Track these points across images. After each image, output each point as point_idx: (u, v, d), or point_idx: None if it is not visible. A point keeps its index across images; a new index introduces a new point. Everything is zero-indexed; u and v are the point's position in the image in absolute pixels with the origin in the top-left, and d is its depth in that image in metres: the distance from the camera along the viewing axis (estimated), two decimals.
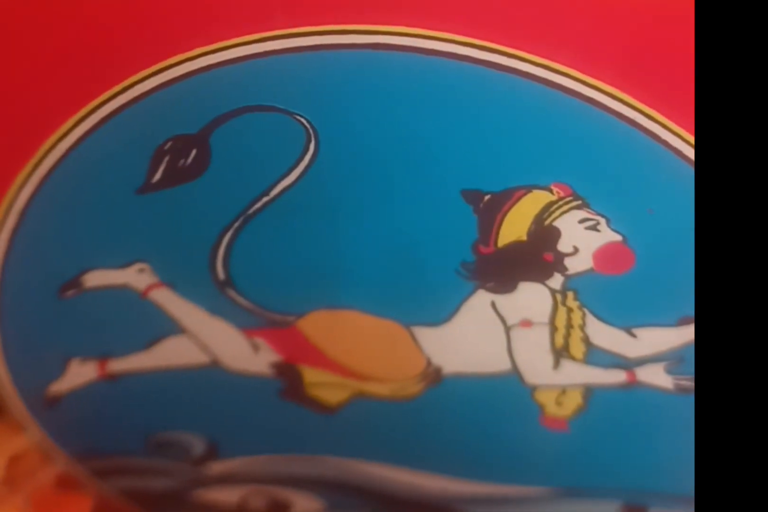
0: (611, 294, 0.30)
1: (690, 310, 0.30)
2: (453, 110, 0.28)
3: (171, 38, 0.28)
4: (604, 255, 0.30)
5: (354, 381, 0.33)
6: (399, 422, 0.34)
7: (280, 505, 0.38)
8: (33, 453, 0.36)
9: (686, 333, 0.31)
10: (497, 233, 0.30)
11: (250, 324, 0.33)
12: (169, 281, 0.32)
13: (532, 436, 0.34)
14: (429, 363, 0.33)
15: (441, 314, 0.32)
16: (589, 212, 0.29)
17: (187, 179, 0.30)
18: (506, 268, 0.30)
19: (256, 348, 0.33)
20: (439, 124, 0.28)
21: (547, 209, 0.29)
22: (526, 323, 0.31)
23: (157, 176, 0.30)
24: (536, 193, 0.29)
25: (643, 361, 0.31)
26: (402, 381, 0.33)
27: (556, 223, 0.29)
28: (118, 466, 0.37)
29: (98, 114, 0.29)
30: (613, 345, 0.31)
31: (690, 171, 0.28)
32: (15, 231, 0.32)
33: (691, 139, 0.28)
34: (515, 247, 0.30)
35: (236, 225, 0.31)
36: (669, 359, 0.31)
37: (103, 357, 0.34)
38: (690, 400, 0.31)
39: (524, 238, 0.30)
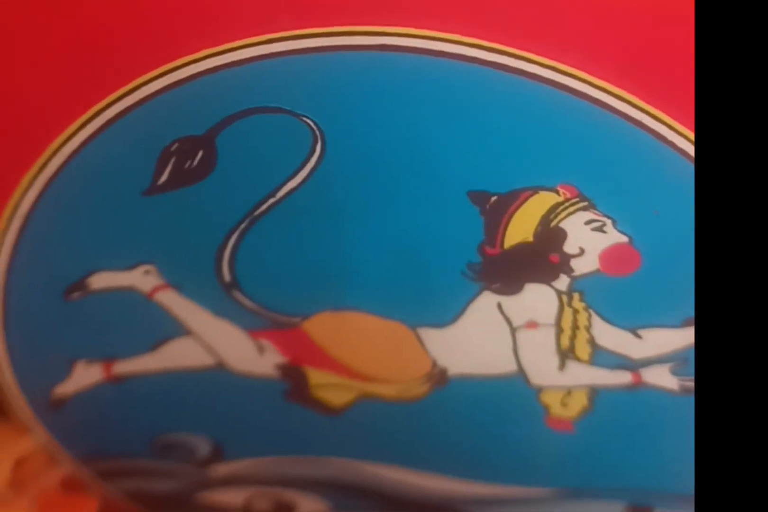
0: (617, 296, 0.30)
1: None
2: (460, 111, 0.28)
3: (177, 40, 0.28)
4: (610, 256, 0.30)
5: (359, 383, 0.33)
6: (404, 423, 0.34)
7: (285, 507, 0.38)
8: (38, 456, 0.36)
9: (691, 335, 0.31)
10: (503, 234, 0.30)
11: (255, 325, 0.33)
12: (175, 283, 0.32)
13: (537, 437, 0.34)
14: (434, 364, 0.33)
15: (447, 315, 0.32)
16: (595, 213, 0.29)
17: (193, 181, 0.30)
18: (512, 270, 0.30)
19: (261, 349, 0.33)
20: (445, 125, 0.28)
21: (553, 210, 0.29)
22: (532, 324, 0.31)
23: (164, 178, 0.30)
24: (543, 194, 0.29)
25: (648, 362, 0.31)
26: (407, 382, 0.33)
27: (562, 224, 0.29)
28: (124, 468, 0.37)
29: (104, 116, 0.29)
30: (619, 347, 0.31)
31: None
32: (20, 233, 0.32)
33: None
34: (521, 248, 0.30)
35: (242, 226, 0.31)
36: (674, 360, 0.31)
37: (108, 359, 0.34)
38: None
39: (530, 239, 0.30)
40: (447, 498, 0.36)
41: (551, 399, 0.33)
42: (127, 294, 0.32)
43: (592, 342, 0.31)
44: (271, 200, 0.30)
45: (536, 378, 0.32)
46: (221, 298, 0.32)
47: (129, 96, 0.29)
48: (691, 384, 0.31)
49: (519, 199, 0.29)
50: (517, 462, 0.34)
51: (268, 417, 0.35)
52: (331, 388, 0.34)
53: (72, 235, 0.32)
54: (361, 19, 0.27)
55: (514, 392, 0.33)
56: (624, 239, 0.29)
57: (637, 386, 0.32)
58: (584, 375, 0.32)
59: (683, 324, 0.31)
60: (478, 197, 0.29)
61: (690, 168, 0.28)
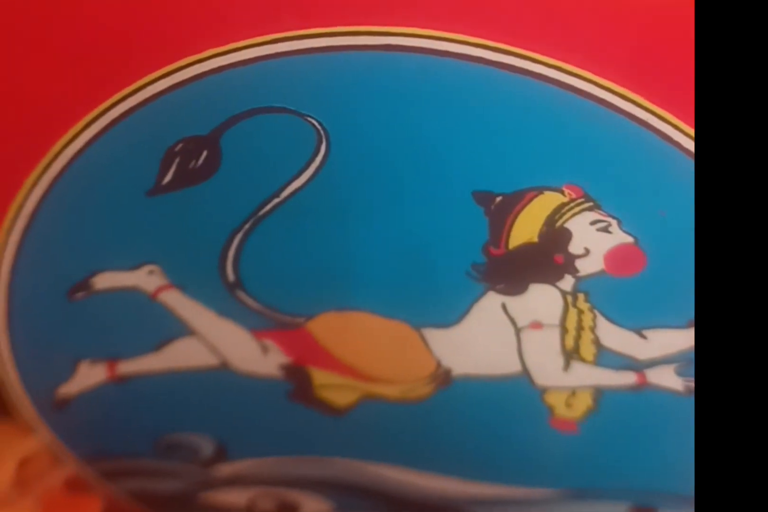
0: (622, 296, 0.30)
1: None
2: (465, 111, 0.28)
3: (181, 40, 0.28)
4: (615, 256, 0.30)
5: (363, 383, 0.33)
6: (408, 424, 0.34)
7: (288, 507, 0.38)
8: (43, 456, 0.36)
9: None
10: (508, 235, 0.30)
11: (259, 325, 0.33)
12: (179, 283, 0.32)
13: (541, 438, 0.34)
14: (439, 364, 0.33)
15: (451, 316, 0.32)
16: (600, 214, 0.29)
17: (197, 181, 0.30)
18: (517, 270, 0.30)
19: (265, 350, 0.33)
20: (450, 125, 0.28)
21: (558, 211, 0.29)
22: (537, 325, 0.31)
23: (168, 178, 0.30)
24: (548, 194, 0.29)
25: (653, 363, 0.31)
26: (412, 382, 0.33)
27: (567, 225, 0.29)
28: (128, 468, 0.37)
29: (109, 116, 0.29)
30: (624, 347, 0.31)
31: None
32: (25, 233, 0.32)
33: None
34: (526, 248, 0.30)
35: (246, 227, 0.31)
36: (679, 361, 0.31)
37: (112, 359, 0.34)
38: None
39: (535, 239, 0.30)
40: (451, 498, 0.36)
41: (556, 400, 0.33)
42: (131, 294, 0.32)
43: (596, 342, 0.31)
44: (276, 200, 0.30)
45: (541, 378, 0.32)
46: (225, 298, 0.32)
47: (133, 96, 0.29)
48: None
49: (524, 199, 0.29)
50: (521, 463, 0.34)
51: (272, 418, 0.35)
52: (335, 389, 0.34)
53: (76, 235, 0.32)
54: (366, 19, 0.27)
55: (518, 393, 0.33)
56: (629, 239, 0.29)
57: (642, 387, 0.32)
58: (589, 375, 0.32)
59: (688, 325, 0.31)
60: (483, 197, 0.29)
61: None
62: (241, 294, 0.32)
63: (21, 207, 0.31)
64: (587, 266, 0.30)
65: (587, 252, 0.30)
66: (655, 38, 0.27)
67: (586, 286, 0.30)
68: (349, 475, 0.36)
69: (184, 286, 0.32)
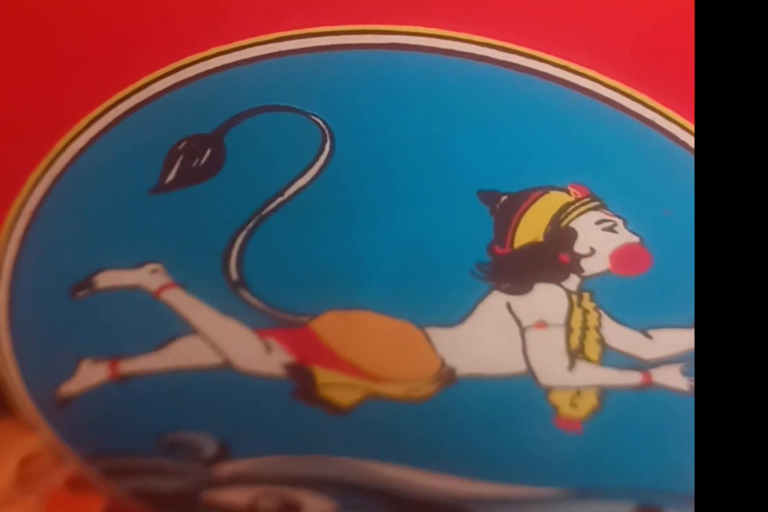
0: (627, 296, 0.30)
1: None
2: (470, 110, 0.28)
3: (186, 38, 0.28)
4: (620, 256, 0.29)
5: (367, 382, 0.33)
6: (412, 423, 0.34)
7: (291, 506, 0.38)
8: (44, 454, 0.36)
9: None
10: (513, 234, 0.30)
11: (262, 324, 0.33)
12: (182, 282, 0.32)
13: (546, 437, 0.34)
14: (443, 364, 0.33)
15: (455, 315, 0.31)
16: (606, 213, 0.29)
17: (201, 179, 0.30)
18: (522, 269, 0.30)
19: (268, 348, 0.33)
20: (455, 124, 0.28)
21: (564, 210, 0.29)
22: (541, 324, 0.31)
23: (171, 176, 0.30)
24: (553, 193, 0.29)
25: (658, 363, 0.31)
26: (416, 382, 0.33)
27: (572, 224, 0.29)
28: (130, 467, 0.37)
29: (112, 113, 0.29)
30: (629, 347, 0.31)
31: None
32: (27, 231, 0.31)
33: None
34: (531, 248, 0.30)
35: (250, 225, 0.30)
36: (684, 360, 0.31)
37: (114, 357, 0.34)
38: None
39: (540, 238, 0.30)
40: (454, 498, 0.36)
41: (560, 400, 0.33)
42: (134, 292, 0.32)
43: (601, 342, 0.31)
44: (280, 199, 0.30)
45: (545, 378, 0.32)
46: (228, 297, 0.32)
47: (137, 94, 0.29)
48: None
49: (529, 198, 0.29)
50: (526, 462, 0.34)
51: (275, 417, 0.35)
52: (338, 388, 0.34)
53: (79, 233, 0.32)
54: (371, 18, 0.27)
55: (522, 392, 0.33)
56: (635, 239, 0.29)
57: (647, 386, 0.32)
58: (594, 375, 0.32)
59: (693, 325, 0.30)
60: (488, 196, 0.29)
61: None
62: (245, 293, 0.32)
63: (23, 205, 0.31)
64: (592, 265, 0.30)
65: (593, 251, 0.30)
66: (662, 37, 0.27)
67: (591, 286, 0.30)
68: (352, 474, 0.36)
69: (187, 285, 0.32)
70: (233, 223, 0.31)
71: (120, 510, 0.38)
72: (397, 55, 0.27)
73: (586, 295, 0.30)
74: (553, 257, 0.30)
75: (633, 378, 0.32)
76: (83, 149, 0.30)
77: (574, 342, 0.31)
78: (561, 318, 0.31)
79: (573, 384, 0.32)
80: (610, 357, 0.31)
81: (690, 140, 0.28)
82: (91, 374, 0.34)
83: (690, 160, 0.28)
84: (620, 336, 0.31)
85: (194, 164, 0.30)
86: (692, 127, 0.27)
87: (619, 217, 0.29)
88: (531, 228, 0.29)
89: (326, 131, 0.29)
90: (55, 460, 0.37)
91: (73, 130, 0.30)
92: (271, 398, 0.34)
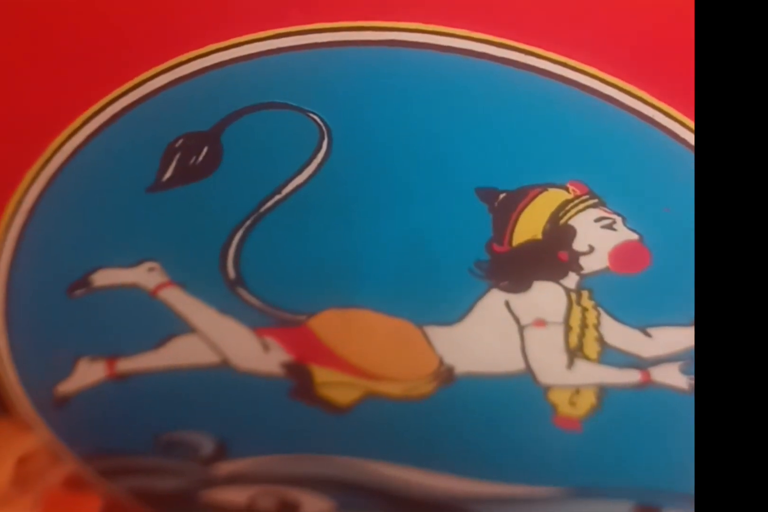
0: (626, 294, 0.30)
1: None
2: (468, 107, 0.28)
3: (183, 35, 0.28)
4: (619, 254, 0.29)
5: (365, 381, 0.33)
6: (411, 422, 0.34)
7: (289, 505, 0.37)
8: (42, 454, 0.36)
9: None
10: (512, 232, 0.29)
11: (260, 323, 0.33)
12: (180, 280, 0.32)
13: (544, 436, 0.33)
14: (441, 362, 0.32)
15: (454, 313, 0.31)
16: (605, 211, 0.29)
17: (198, 177, 0.30)
18: (520, 267, 0.30)
19: (266, 347, 0.33)
20: (454, 121, 0.28)
21: (562, 208, 0.29)
22: (540, 322, 0.31)
23: (168, 174, 0.30)
24: (552, 191, 0.29)
25: (657, 361, 0.31)
26: (414, 380, 0.33)
27: (571, 222, 0.29)
28: (127, 466, 0.37)
29: (109, 111, 0.29)
30: (628, 345, 0.31)
31: None
32: (24, 229, 0.31)
33: None
34: (530, 245, 0.30)
35: (248, 223, 0.30)
36: (684, 359, 0.31)
37: (112, 356, 0.34)
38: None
39: (539, 236, 0.29)
40: (453, 497, 0.36)
41: (559, 398, 0.33)
42: (131, 291, 0.32)
43: (600, 340, 0.31)
44: (277, 197, 0.30)
45: (544, 376, 0.32)
46: (226, 296, 0.32)
47: (134, 91, 0.29)
48: None
49: (528, 196, 0.29)
50: (525, 462, 0.34)
51: (273, 416, 0.35)
52: (336, 386, 0.34)
53: (75, 231, 0.32)
54: (370, 15, 0.27)
55: (521, 391, 0.32)
56: (634, 237, 0.29)
57: (647, 385, 0.32)
58: (593, 373, 0.32)
59: (693, 323, 0.30)
60: (487, 194, 0.29)
61: None
62: (242, 292, 0.32)
63: (20, 203, 0.31)
64: (591, 263, 0.30)
65: (591, 249, 0.30)
66: (662, 34, 0.26)
67: (590, 284, 0.30)
68: (351, 473, 0.36)
69: (185, 283, 0.32)
70: (231, 221, 0.31)
71: (118, 510, 0.38)
72: (396, 52, 0.27)
73: (585, 293, 0.30)
74: (551, 255, 0.30)
75: (632, 376, 0.32)
76: (80, 147, 0.30)
77: (573, 340, 0.31)
78: (560, 316, 0.31)
79: (572, 382, 0.32)
80: (609, 355, 0.31)
81: (690, 137, 0.28)
82: (88, 373, 0.34)
83: (690, 157, 0.28)
84: (619, 335, 0.31)
85: (191, 162, 0.30)
86: (692, 125, 0.27)
87: (618, 215, 0.29)
88: (530, 225, 0.29)
89: (324, 128, 0.29)
90: (53, 459, 0.36)
91: (69, 127, 0.30)
92: (270, 397, 0.34)
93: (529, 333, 0.31)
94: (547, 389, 0.32)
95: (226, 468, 0.37)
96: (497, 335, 0.31)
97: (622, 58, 0.27)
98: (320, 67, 0.28)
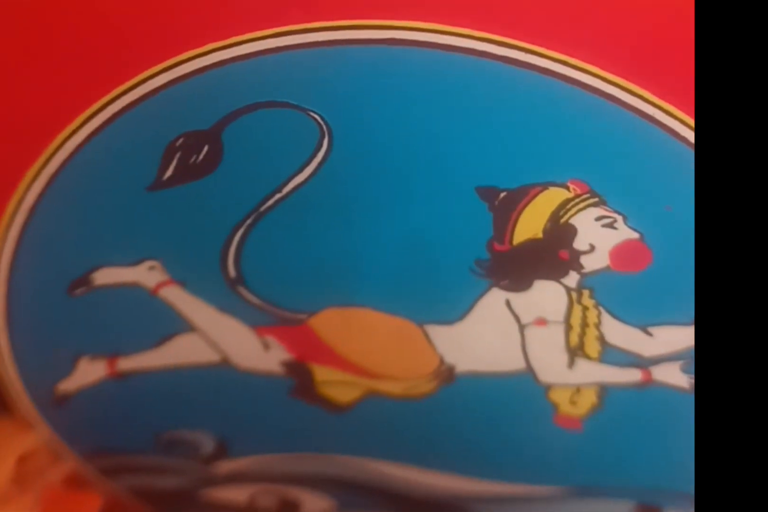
0: (627, 293, 0.30)
1: None
2: (469, 106, 0.28)
3: (183, 34, 0.28)
4: (620, 252, 0.29)
5: (366, 380, 0.33)
6: (411, 421, 0.34)
7: (289, 504, 0.37)
8: (42, 452, 0.36)
9: None
10: (512, 230, 0.29)
11: (261, 322, 0.33)
12: (180, 278, 0.32)
13: (545, 435, 0.33)
14: (442, 361, 0.32)
15: (455, 312, 0.31)
16: (606, 210, 0.29)
17: (198, 176, 0.30)
18: (521, 266, 0.30)
19: (266, 346, 0.33)
20: (454, 120, 0.28)
21: (563, 206, 0.29)
22: (541, 321, 0.31)
23: (169, 173, 0.30)
24: (552, 190, 0.29)
25: (658, 360, 0.31)
26: (415, 379, 0.33)
27: (572, 221, 0.29)
28: (128, 465, 0.37)
29: (109, 110, 0.29)
30: (629, 344, 0.31)
31: None
32: (24, 228, 0.31)
33: None
34: (531, 244, 0.30)
35: (248, 222, 0.30)
36: (685, 358, 0.31)
37: (112, 355, 0.34)
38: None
39: (540, 235, 0.29)
40: (454, 496, 0.36)
41: (560, 397, 0.32)
42: (132, 290, 0.32)
43: (601, 339, 0.31)
44: (278, 195, 0.30)
45: (545, 375, 0.32)
46: (226, 294, 0.32)
47: (134, 90, 0.29)
48: None
49: (528, 194, 0.29)
50: (525, 461, 0.34)
51: (274, 414, 0.35)
52: (337, 385, 0.34)
53: (76, 230, 0.32)
54: (370, 13, 0.27)
55: (522, 390, 0.32)
56: (635, 235, 0.29)
57: (647, 384, 0.32)
58: (593, 373, 0.32)
59: (694, 322, 0.30)
60: (487, 193, 0.29)
61: None
62: (243, 290, 0.32)
63: (21, 201, 0.31)
64: (592, 262, 0.30)
65: (592, 248, 0.30)
66: (662, 33, 0.26)
67: (591, 283, 0.30)
68: (351, 472, 0.36)
69: (185, 282, 0.32)
70: (231, 220, 0.31)
71: (118, 508, 0.38)
72: (396, 51, 0.27)
73: (585, 292, 0.30)
74: (552, 254, 0.30)
75: (633, 375, 0.32)
76: (80, 146, 0.30)
77: (574, 339, 0.31)
78: (560, 315, 0.31)
79: (573, 381, 0.32)
80: (610, 354, 0.31)
81: (690, 136, 0.28)
82: (89, 371, 0.34)
83: (690, 155, 0.28)
84: (620, 334, 0.31)
85: (192, 161, 0.29)
86: (692, 123, 0.27)
87: (619, 214, 0.29)
88: (530, 224, 0.29)
89: (324, 127, 0.29)
90: (53, 458, 0.36)
91: (70, 127, 0.30)
92: (270, 396, 0.34)
93: (529, 332, 0.31)
94: (547, 388, 0.32)
95: (226, 466, 0.37)
96: (498, 334, 0.31)
97: (623, 57, 0.27)
98: (320, 65, 0.28)
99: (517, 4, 0.27)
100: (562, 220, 0.29)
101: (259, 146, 0.29)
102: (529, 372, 0.32)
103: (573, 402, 0.33)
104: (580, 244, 0.30)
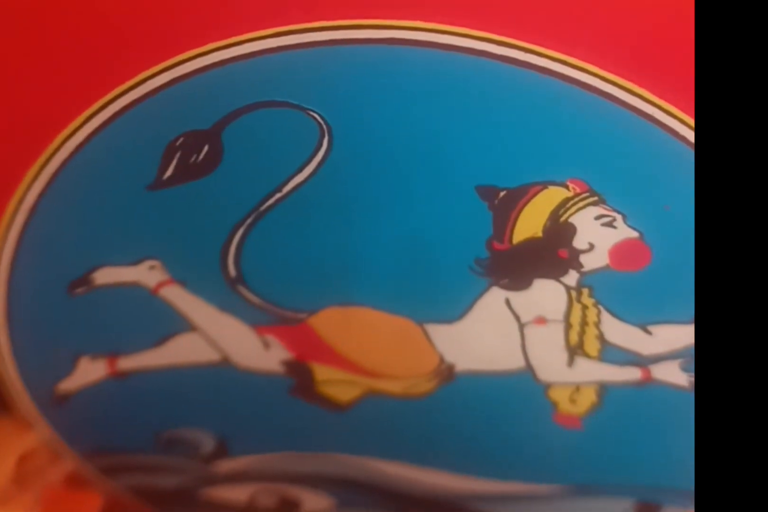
0: (626, 291, 0.30)
1: None
2: (468, 105, 0.28)
3: (183, 33, 0.28)
4: (620, 251, 0.29)
5: (366, 379, 0.33)
6: (411, 420, 0.34)
7: (290, 503, 0.37)
8: (42, 451, 0.36)
9: None
10: (512, 229, 0.29)
11: (261, 321, 0.33)
12: (180, 278, 0.32)
13: (545, 434, 0.33)
14: (442, 360, 0.32)
15: (454, 311, 0.31)
16: (605, 208, 0.29)
17: (198, 175, 0.30)
18: (521, 265, 0.30)
19: (266, 345, 0.33)
20: (454, 119, 0.28)
21: (563, 205, 0.29)
22: (541, 320, 0.31)
23: (169, 172, 0.30)
24: (552, 189, 0.29)
25: (658, 359, 0.31)
26: (415, 378, 0.33)
27: (571, 220, 0.29)
28: (128, 464, 0.37)
29: (109, 109, 0.29)
30: (628, 343, 0.31)
31: None
32: (25, 228, 0.31)
33: None
34: (530, 243, 0.30)
35: (248, 221, 0.30)
36: (684, 356, 0.31)
37: (113, 354, 0.34)
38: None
39: (539, 234, 0.29)
40: (453, 494, 0.36)
41: (560, 396, 0.33)
42: (132, 289, 0.32)
43: (601, 338, 0.31)
44: (278, 195, 0.30)
45: (544, 374, 0.32)
46: (227, 294, 0.32)
47: (134, 90, 0.29)
48: None
49: (528, 193, 0.29)
50: (525, 459, 0.34)
51: (274, 413, 0.35)
52: (337, 384, 0.34)
53: (76, 229, 0.32)
54: (370, 13, 0.27)
55: (522, 388, 0.32)
56: (634, 234, 0.29)
57: (647, 382, 0.32)
58: (593, 371, 0.32)
59: (693, 321, 0.30)
60: (487, 192, 0.29)
61: None
62: (243, 290, 0.32)
63: (21, 201, 0.31)
64: (592, 261, 0.30)
65: (592, 247, 0.30)
66: (661, 31, 0.26)
67: (590, 281, 0.30)
68: (351, 471, 0.36)
69: (186, 281, 0.32)
70: (231, 219, 0.31)
71: (118, 508, 0.38)
72: (396, 50, 0.27)
73: (585, 291, 0.30)
74: (552, 253, 0.30)
75: (632, 374, 0.32)
76: (81, 146, 0.30)
77: (574, 338, 0.31)
78: (560, 314, 0.31)
79: (572, 380, 0.32)
80: (610, 353, 0.31)
81: (690, 135, 0.28)
82: (89, 371, 0.34)
83: (690, 155, 0.28)
84: (620, 332, 0.31)
85: (192, 160, 0.30)
86: (692, 122, 0.27)
87: (619, 212, 0.29)
88: (530, 223, 0.29)
89: (324, 127, 0.29)
90: (53, 457, 0.36)
91: (70, 126, 0.30)
92: (270, 395, 0.34)
93: (529, 331, 0.31)
94: (547, 387, 0.32)
95: (226, 465, 0.37)
96: (498, 333, 0.31)
97: (622, 56, 0.27)
98: (320, 65, 0.28)
99: (516, 4, 0.27)
100: (562, 219, 0.29)
101: (259, 146, 0.29)
102: (529, 370, 0.32)
103: (573, 401, 0.33)
104: (579, 242, 0.30)
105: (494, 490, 0.35)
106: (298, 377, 0.34)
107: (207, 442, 0.36)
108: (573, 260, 0.30)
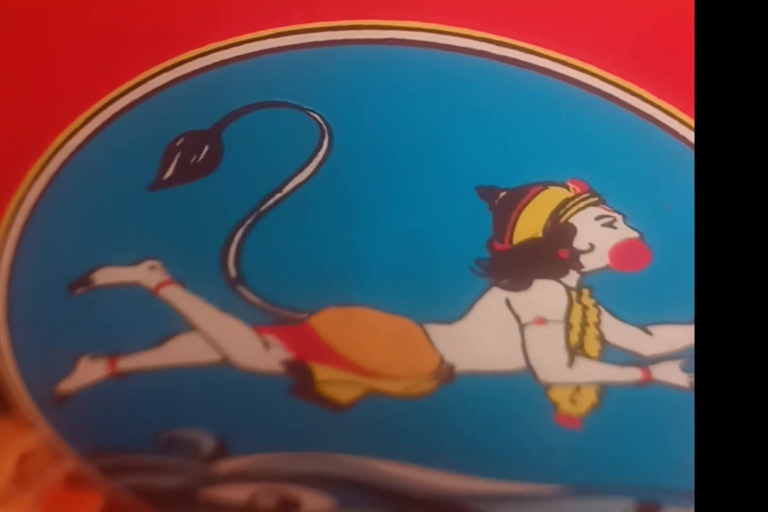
0: (627, 292, 0.30)
1: None
2: (469, 106, 0.28)
3: (183, 34, 0.28)
4: (620, 252, 0.29)
5: (366, 379, 0.33)
6: (411, 420, 0.34)
7: (290, 503, 0.37)
8: (42, 451, 0.36)
9: None
10: (512, 230, 0.29)
11: (261, 321, 0.33)
12: (180, 278, 0.32)
13: (545, 434, 0.33)
14: (442, 360, 0.32)
15: (455, 311, 0.31)
16: (605, 209, 0.29)
17: (199, 176, 0.30)
18: (521, 265, 0.30)
19: (267, 345, 0.33)
20: (454, 120, 0.28)
21: (563, 206, 0.29)
22: (541, 321, 0.31)
23: (169, 173, 0.30)
24: (552, 189, 0.29)
25: (658, 359, 0.31)
26: (415, 378, 0.33)
27: (572, 220, 0.29)
28: (128, 464, 0.37)
29: (110, 110, 0.29)
30: (629, 343, 0.31)
31: None
32: (25, 228, 0.31)
33: None
34: (530, 243, 0.30)
35: (248, 222, 0.30)
36: (684, 357, 0.31)
37: (113, 354, 0.34)
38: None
39: (540, 234, 0.29)
40: (454, 495, 0.36)
41: (560, 396, 0.33)
42: (132, 289, 0.32)
43: (601, 338, 0.31)
44: (278, 195, 0.30)
45: (545, 374, 0.32)
46: (227, 294, 0.32)
47: (134, 90, 0.29)
48: None
49: (528, 194, 0.29)
50: (525, 459, 0.34)
51: (274, 413, 0.35)
52: (337, 384, 0.34)
53: (77, 230, 0.32)
54: (370, 13, 0.27)
55: (522, 389, 0.32)
56: (634, 235, 0.29)
57: (647, 383, 0.32)
58: (594, 371, 0.32)
59: (693, 321, 0.30)
60: (487, 192, 0.29)
61: None
62: (243, 290, 0.32)
63: (21, 202, 0.31)
64: (592, 261, 0.30)
65: (592, 247, 0.30)
66: (662, 32, 0.26)
67: (590, 282, 0.30)
68: (351, 471, 0.36)
69: (186, 282, 0.32)
70: (231, 220, 0.31)
71: (118, 508, 0.38)
72: (396, 51, 0.27)
73: (585, 291, 0.30)
74: (552, 253, 0.30)
75: (633, 374, 0.32)
76: (81, 146, 0.30)
77: (574, 338, 0.31)
78: (560, 314, 0.31)
79: (573, 380, 0.32)
80: (610, 353, 0.31)
81: (690, 135, 0.28)
82: (89, 371, 0.34)
83: (690, 155, 0.28)
84: (620, 333, 0.31)
85: (192, 160, 0.30)
86: (692, 122, 0.27)
87: (619, 213, 0.29)
88: (530, 224, 0.29)
89: (324, 127, 0.29)
90: (53, 457, 0.37)
91: (70, 127, 0.30)
92: (270, 395, 0.34)
93: (529, 332, 0.31)
94: (547, 387, 0.32)
95: (226, 465, 0.37)
96: (498, 333, 0.31)
97: (622, 56, 0.27)
98: (321, 65, 0.28)
99: (516, 4, 0.27)
100: (562, 220, 0.29)
101: (259, 146, 0.29)
102: (529, 371, 0.32)
103: (573, 401, 0.33)
104: (579, 243, 0.30)
105: (494, 490, 0.35)
106: (298, 377, 0.34)
107: (207, 442, 0.36)
108: (573, 260, 0.30)
